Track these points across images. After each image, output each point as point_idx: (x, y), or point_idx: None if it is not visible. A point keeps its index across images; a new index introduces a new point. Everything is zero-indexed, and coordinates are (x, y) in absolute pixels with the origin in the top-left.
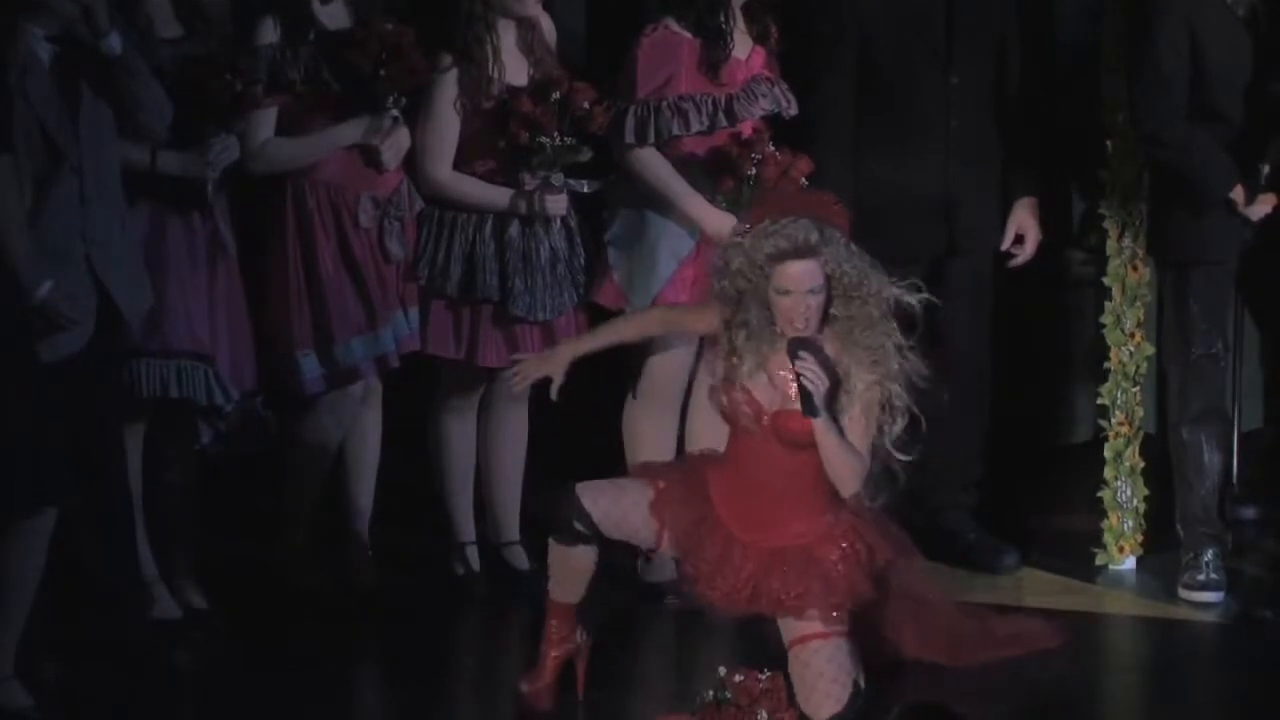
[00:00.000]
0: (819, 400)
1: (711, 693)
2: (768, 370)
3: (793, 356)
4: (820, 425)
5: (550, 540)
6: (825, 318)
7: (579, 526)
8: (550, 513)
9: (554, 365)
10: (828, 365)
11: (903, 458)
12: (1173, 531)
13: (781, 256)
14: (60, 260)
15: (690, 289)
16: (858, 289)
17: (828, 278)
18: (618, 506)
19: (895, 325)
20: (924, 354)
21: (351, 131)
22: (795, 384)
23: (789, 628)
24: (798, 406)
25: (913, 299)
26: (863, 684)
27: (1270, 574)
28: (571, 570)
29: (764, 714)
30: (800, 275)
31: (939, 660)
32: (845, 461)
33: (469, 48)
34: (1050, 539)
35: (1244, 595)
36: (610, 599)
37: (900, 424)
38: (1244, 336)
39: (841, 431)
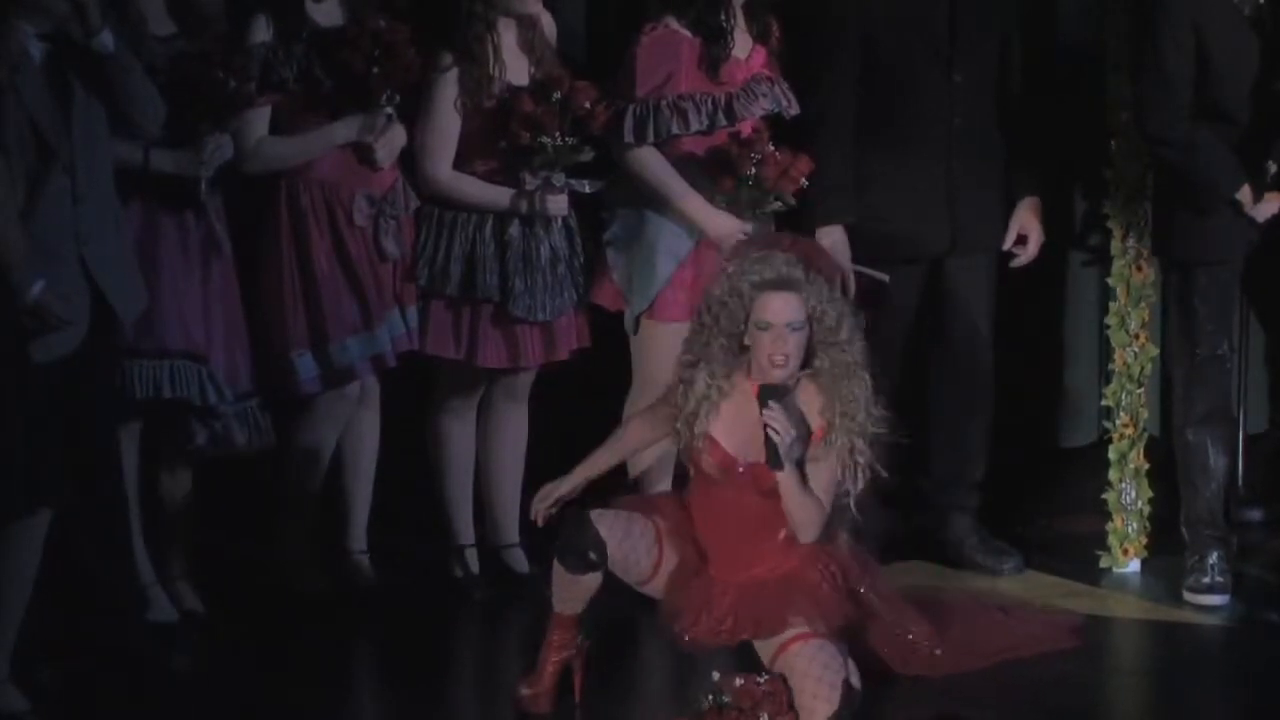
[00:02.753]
0: (784, 452)
1: (710, 698)
2: (730, 416)
3: (762, 405)
4: (784, 478)
5: (555, 563)
6: (807, 364)
7: (593, 557)
8: (557, 534)
9: (569, 487)
10: (796, 415)
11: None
12: (1177, 534)
13: (764, 286)
14: (53, 260)
15: (688, 289)
16: (836, 334)
17: (809, 318)
18: (629, 539)
19: (869, 377)
20: (922, 354)
21: (346, 130)
22: (763, 434)
23: (769, 644)
24: (774, 467)
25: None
26: (856, 684)
27: (1275, 576)
28: (579, 590)
29: (765, 717)
30: (781, 307)
31: (935, 672)
32: (806, 512)
33: (470, 47)
34: (1054, 541)
35: (1249, 598)
36: (611, 603)
37: (862, 481)
38: (1249, 338)
39: (805, 482)
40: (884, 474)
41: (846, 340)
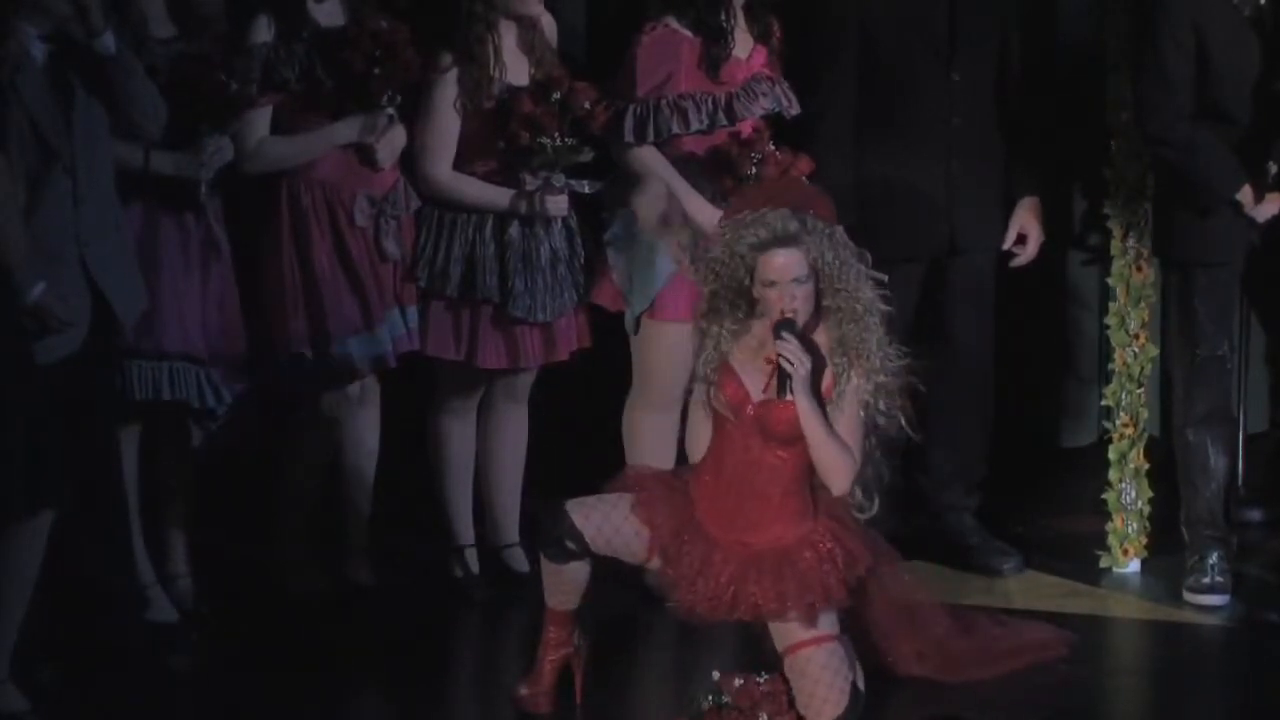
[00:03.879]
0: (798, 383)
1: (710, 698)
2: (746, 357)
3: (776, 335)
4: (803, 410)
5: (541, 556)
6: (818, 310)
7: (571, 545)
8: (538, 527)
9: None
10: (813, 349)
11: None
12: (1177, 534)
13: (763, 246)
14: (53, 261)
15: (688, 289)
16: (841, 279)
17: (813, 269)
18: (609, 522)
19: (878, 319)
20: (922, 354)
21: (346, 130)
22: (775, 364)
23: (781, 635)
24: (784, 397)
25: (881, 305)
26: (861, 686)
27: (1276, 577)
28: (566, 583)
29: (765, 717)
30: (784, 265)
31: (935, 676)
32: (833, 454)
33: (470, 47)
34: (1054, 541)
35: (1249, 598)
36: (611, 601)
37: (898, 410)
38: (1249, 338)
39: (828, 422)
40: (908, 416)
41: (853, 285)
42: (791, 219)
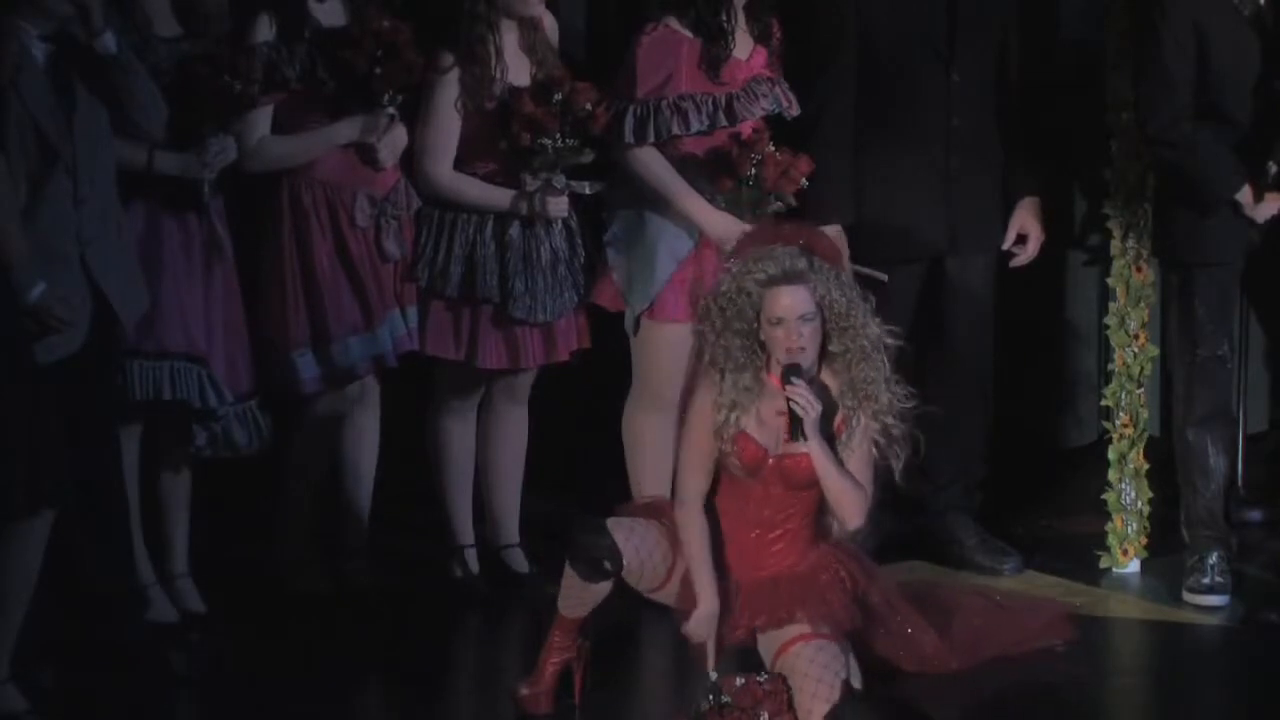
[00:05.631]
0: (809, 426)
1: (710, 698)
2: (759, 412)
3: (785, 381)
4: (816, 453)
5: (569, 568)
6: (824, 353)
7: (609, 567)
8: (572, 541)
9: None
10: (822, 392)
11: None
12: (1177, 534)
13: (771, 282)
14: (54, 261)
15: (688, 290)
16: (847, 319)
17: (819, 307)
18: (645, 545)
19: (884, 357)
20: (922, 354)
21: (348, 130)
22: (787, 411)
23: (770, 641)
24: (798, 447)
25: (890, 340)
26: (857, 685)
27: (1275, 577)
28: (588, 595)
29: (765, 716)
30: (791, 302)
31: (939, 670)
32: (848, 492)
33: (471, 48)
34: (1054, 541)
35: (1249, 598)
36: (610, 603)
37: (904, 453)
38: (1249, 338)
39: (840, 462)
40: (916, 450)
41: (859, 324)
42: (799, 256)
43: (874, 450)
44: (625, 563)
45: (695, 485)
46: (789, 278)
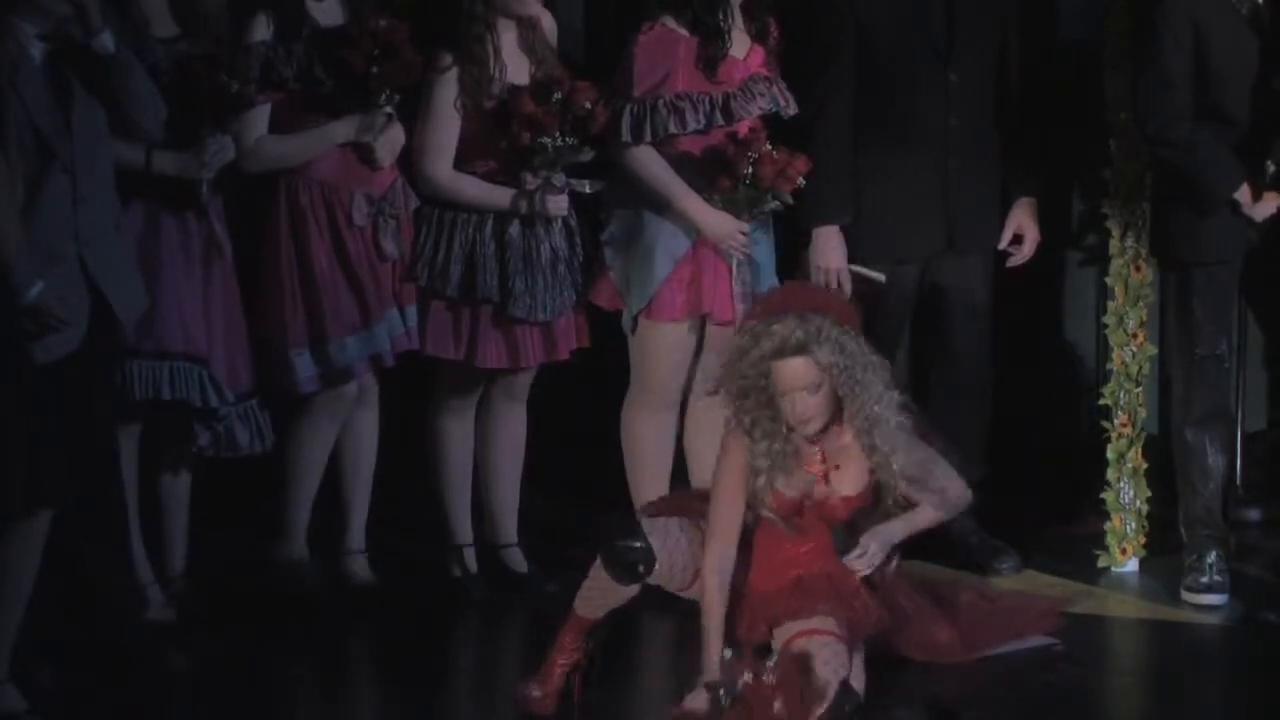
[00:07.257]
0: (880, 555)
1: (722, 690)
2: (789, 468)
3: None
4: (902, 537)
5: (602, 568)
6: (842, 412)
7: (643, 570)
8: (605, 542)
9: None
10: (843, 451)
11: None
12: (1176, 533)
13: (774, 356)
14: (52, 261)
15: (686, 289)
16: (856, 383)
17: (825, 372)
18: (678, 550)
19: (895, 410)
20: (920, 354)
21: (345, 129)
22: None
23: (783, 632)
24: (835, 490)
25: (902, 416)
26: (856, 687)
27: (1274, 576)
28: (613, 597)
29: (778, 705)
30: (792, 375)
31: (943, 660)
32: (940, 510)
33: (470, 47)
34: (1052, 541)
35: (1247, 598)
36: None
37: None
38: (1248, 338)
39: (911, 517)
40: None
41: (870, 388)
42: (798, 328)
43: (916, 442)
44: (659, 567)
45: (722, 551)
46: (790, 350)
